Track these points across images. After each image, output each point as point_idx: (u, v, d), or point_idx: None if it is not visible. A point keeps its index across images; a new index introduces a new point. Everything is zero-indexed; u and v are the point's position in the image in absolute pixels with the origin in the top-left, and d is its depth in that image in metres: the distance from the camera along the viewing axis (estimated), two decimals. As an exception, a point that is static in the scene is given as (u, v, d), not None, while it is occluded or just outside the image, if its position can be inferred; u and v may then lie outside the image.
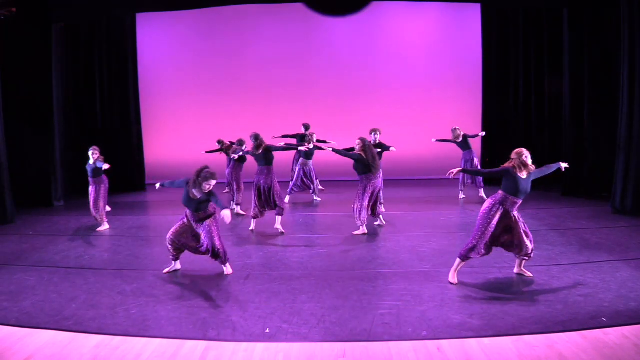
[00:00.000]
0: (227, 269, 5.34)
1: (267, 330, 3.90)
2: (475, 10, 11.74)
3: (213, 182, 4.90)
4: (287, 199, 9.04)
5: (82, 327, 4.04)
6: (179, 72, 12.70)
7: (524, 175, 4.74)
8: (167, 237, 5.24)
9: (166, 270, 5.38)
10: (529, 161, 4.79)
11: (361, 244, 6.41)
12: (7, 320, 4.20)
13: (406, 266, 5.41)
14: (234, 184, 8.69)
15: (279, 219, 7.08)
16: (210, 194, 4.95)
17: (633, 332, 3.74)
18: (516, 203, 4.77)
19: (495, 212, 4.74)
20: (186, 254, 5.75)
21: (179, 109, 12.72)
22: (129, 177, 11.46)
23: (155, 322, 4.12)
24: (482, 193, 9.17)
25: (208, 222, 5.13)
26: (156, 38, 12.63)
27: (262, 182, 6.99)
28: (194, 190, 4.95)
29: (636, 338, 3.64)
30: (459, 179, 9.56)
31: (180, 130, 12.67)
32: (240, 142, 8.71)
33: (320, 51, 12.60)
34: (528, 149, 4.95)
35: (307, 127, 10.38)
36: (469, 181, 9.47)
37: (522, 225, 4.83)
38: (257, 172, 7.07)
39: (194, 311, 4.31)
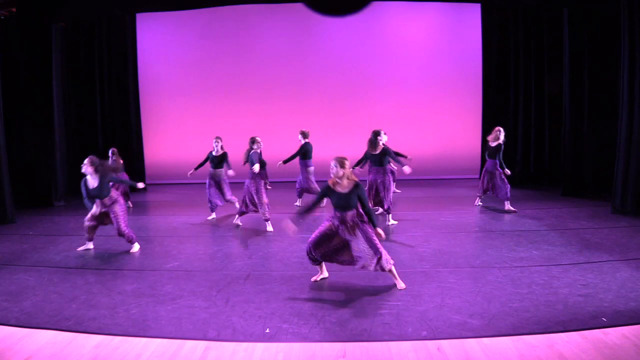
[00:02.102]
0: (134, 248, 6.32)
1: (267, 330, 3.90)
2: (475, 10, 11.75)
3: (86, 162, 6.07)
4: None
5: (82, 327, 4.04)
6: (179, 72, 12.70)
7: (342, 188, 4.61)
8: (84, 225, 6.32)
9: (81, 248, 6.37)
10: (338, 172, 4.57)
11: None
12: (7, 320, 4.20)
13: (406, 266, 5.41)
14: (255, 196, 7.29)
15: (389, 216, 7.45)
16: (105, 179, 6.08)
17: (633, 332, 3.73)
18: (340, 218, 4.66)
19: (326, 222, 4.81)
20: (189, 254, 5.74)
21: (179, 109, 12.73)
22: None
23: (155, 322, 4.12)
24: (508, 205, 8.21)
25: (115, 208, 6.16)
26: (156, 38, 12.64)
27: (379, 180, 7.36)
28: (88, 182, 6.10)
29: (636, 338, 3.64)
30: (480, 185, 8.64)
31: (180, 130, 12.68)
32: (253, 141, 7.62)
33: (320, 51, 12.60)
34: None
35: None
36: (490, 192, 8.52)
37: (366, 241, 4.61)
38: (373, 172, 7.42)
39: (194, 311, 4.30)
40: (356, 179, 4.67)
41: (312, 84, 12.62)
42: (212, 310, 4.32)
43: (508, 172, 8.23)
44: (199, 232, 7.39)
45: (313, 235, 4.84)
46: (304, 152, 8.77)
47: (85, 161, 6.10)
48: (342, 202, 4.63)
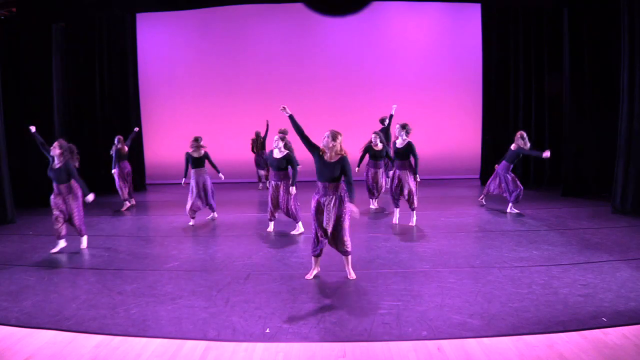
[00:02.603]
0: (82, 243, 6.42)
1: (267, 330, 3.90)
2: (475, 10, 11.74)
3: (55, 145, 6.14)
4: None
5: (82, 327, 4.04)
6: (179, 72, 12.70)
7: (329, 158, 4.72)
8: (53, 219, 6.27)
9: (54, 250, 6.25)
10: (329, 143, 4.68)
11: (361, 244, 6.41)
12: (7, 320, 4.20)
13: (406, 266, 5.41)
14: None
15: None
16: (67, 165, 6.14)
17: (633, 332, 3.74)
18: (325, 188, 4.75)
19: (312, 201, 4.85)
20: (189, 254, 5.74)
21: (179, 109, 12.73)
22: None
23: (155, 322, 4.12)
24: (510, 208, 8.11)
25: (70, 200, 6.24)
26: (156, 38, 12.63)
27: (400, 174, 7.40)
28: (55, 162, 6.14)
29: (636, 338, 3.64)
30: (487, 185, 8.60)
31: (180, 130, 12.66)
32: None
33: (320, 51, 12.59)
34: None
35: (383, 120, 10.14)
36: (495, 191, 8.43)
37: (335, 217, 4.75)
38: (397, 165, 7.40)
39: (194, 311, 4.31)
40: (345, 154, 4.74)
41: (312, 84, 12.61)
42: (212, 310, 4.32)
43: (546, 154, 7.56)
44: (199, 232, 7.39)
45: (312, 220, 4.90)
46: None
47: (55, 144, 6.21)
48: (326, 171, 4.72)
